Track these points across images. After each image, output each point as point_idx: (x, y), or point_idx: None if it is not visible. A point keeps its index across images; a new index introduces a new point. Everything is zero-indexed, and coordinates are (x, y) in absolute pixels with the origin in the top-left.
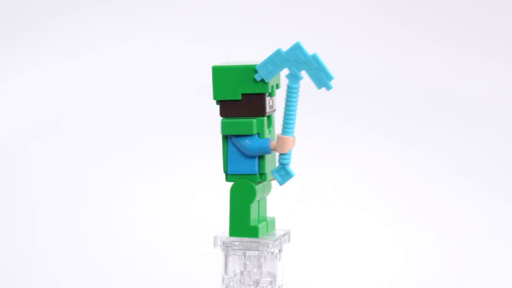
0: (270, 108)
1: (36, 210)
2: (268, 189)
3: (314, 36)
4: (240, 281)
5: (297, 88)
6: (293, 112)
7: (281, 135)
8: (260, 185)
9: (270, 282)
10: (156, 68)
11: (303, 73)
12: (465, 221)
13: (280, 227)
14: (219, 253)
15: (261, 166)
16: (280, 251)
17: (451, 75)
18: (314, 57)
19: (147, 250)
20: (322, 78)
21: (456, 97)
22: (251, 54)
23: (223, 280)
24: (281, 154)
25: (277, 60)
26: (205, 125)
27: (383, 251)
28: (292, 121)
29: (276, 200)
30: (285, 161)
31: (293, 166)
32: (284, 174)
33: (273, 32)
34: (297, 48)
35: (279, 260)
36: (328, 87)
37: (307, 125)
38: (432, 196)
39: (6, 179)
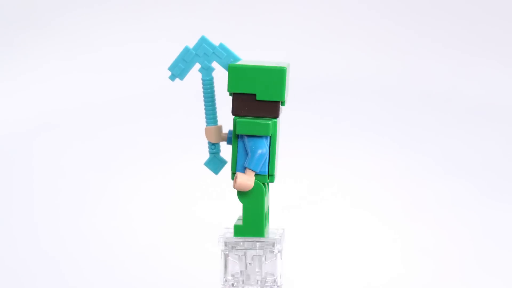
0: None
1: (38, 210)
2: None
3: (314, 35)
4: (240, 281)
5: (211, 80)
6: (212, 103)
7: (206, 126)
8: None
9: (269, 282)
10: (157, 67)
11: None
12: (464, 222)
13: (278, 226)
14: (218, 253)
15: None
16: (280, 250)
17: (450, 76)
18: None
19: (148, 250)
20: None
21: (455, 97)
22: (250, 55)
23: (225, 281)
24: (210, 144)
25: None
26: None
27: (381, 251)
28: (212, 111)
29: (275, 200)
30: (215, 150)
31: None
32: (217, 163)
33: (272, 32)
34: (203, 41)
35: (280, 259)
36: None
37: (306, 124)
38: (430, 197)
39: (7, 180)
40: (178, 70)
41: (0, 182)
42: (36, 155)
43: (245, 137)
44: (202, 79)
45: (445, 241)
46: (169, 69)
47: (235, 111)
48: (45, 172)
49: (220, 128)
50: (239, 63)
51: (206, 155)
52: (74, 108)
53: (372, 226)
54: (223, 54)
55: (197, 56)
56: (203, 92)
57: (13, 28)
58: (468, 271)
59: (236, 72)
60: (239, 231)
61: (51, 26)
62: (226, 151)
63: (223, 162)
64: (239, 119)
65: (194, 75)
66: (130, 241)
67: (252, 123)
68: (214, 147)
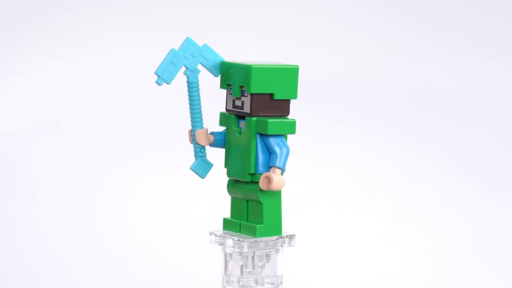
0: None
1: (39, 209)
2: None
3: (314, 35)
4: (240, 281)
5: (197, 82)
6: (199, 106)
7: (197, 130)
8: None
9: (270, 282)
10: (155, 67)
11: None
12: (463, 222)
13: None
14: (219, 253)
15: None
16: (279, 251)
17: (449, 75)
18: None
19: (149, 249)
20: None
21: (454, 97)
22: (250, 55)
23: (223, 280)
24: (200, 148)
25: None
26: (206, 124)
27: (380, 251)
28: (200, 114)
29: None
30: (203, 154)
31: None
32: (204, 166)
33: (271, 33)
34: (190, 43)
35: (279, 260)
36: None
37: (305, 124)
38: (430, 197)
39: (8, 179)
40: (167, 73)
41: (1, 182)
42: (37, 154)
43: (270, 137)
44: (189, 82)
45: (444, 241)
46: (157, 73)
47: (254, 112)
48: (46, 171)
49: (207, 130)
50: (258, 65)
51: (207, 155)
52: (75, 107)
53: (372, 226)
54: (208, 55)
55: (184, 58)
56: (191, 95)
57: (13, 27)
58: (467, 270)
59: (259, 73)
60: (262, 231)
61: (51, 26)
62: (211, 154)
63: (210, 165)
64: (270, 120)
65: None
66: (131, 240)
67: (282, 123)
68: (203, 151)
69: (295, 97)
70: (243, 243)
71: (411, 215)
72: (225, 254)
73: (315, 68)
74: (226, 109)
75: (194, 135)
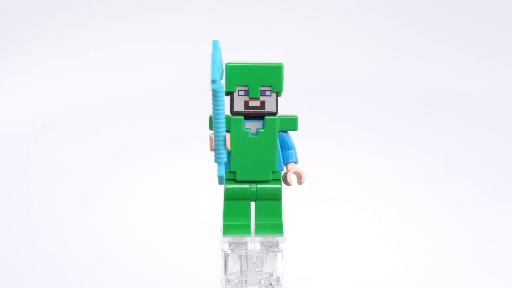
0: None
1: (37, 208)
2: None
3: (313, 35)
4: (240, 281)
5: (223, 86)
6: (224, 111)
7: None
8: None
9: (270, 281)
10: (154, 68)
11: None
12: (464, 222)
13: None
14: (219, 253)
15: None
16: (280, 250)
17: (450, 76)
18: (220, 51)
19: (147, 249)
20: (222, 67)
21: (454, 97)
22: (251, 56)
23: (223, 280)
24: (225, 153)
25: (218, 63)
26: (205, 124)
27: (381, 251)
28: (224, 120)
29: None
30: (226, 158)
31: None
32: (223, 170)
33: (271, 33)
34: (219, 47)
35: (280, 259)
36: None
37: (304, 124)
38: (431, 197)
39: (6, 178)
40: (220, 77)
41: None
42: (36, 154)
43: (285, 134)
44: (219, 87)
45: (446, 241)
46: (216, 78)
47: (278, 110)
48: (44, 171)
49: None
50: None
51: (205, 155)
52: (74, 107)
53: (373, 226)
54: (221, 58)
55: (219, 62)
56: (218, 99)
57: (14, 27)
58: (468, 270)
59: (283, 71)
60: (282, 228)
61: (50, 26)
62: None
63: (225, 170)
64: (298, 117)
65: (194, 75)
66: (130, 240)
67: (297, 119)
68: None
69: (280, 94)
70: (279, 241)
71: (412, 215)
72: (225, 255)
73: (315, 68)
74: (234, 112)
75: (222, 140)
